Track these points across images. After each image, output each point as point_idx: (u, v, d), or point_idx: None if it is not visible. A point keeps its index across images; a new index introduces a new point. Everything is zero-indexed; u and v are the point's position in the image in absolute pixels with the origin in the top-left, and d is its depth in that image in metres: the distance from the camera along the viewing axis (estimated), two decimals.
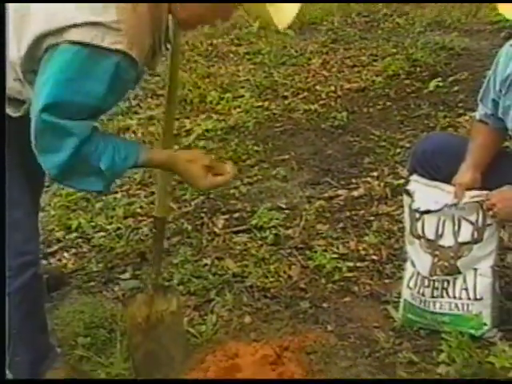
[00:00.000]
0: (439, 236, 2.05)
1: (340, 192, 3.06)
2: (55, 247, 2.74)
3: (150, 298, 2.02)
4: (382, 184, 3.01)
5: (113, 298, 2.41)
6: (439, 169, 2.09)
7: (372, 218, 2.79)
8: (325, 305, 2.31)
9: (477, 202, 1.97)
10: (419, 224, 2.08)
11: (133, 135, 3.79)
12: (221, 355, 2.07)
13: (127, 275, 2.55)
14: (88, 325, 2.23)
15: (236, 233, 2.80)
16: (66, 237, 2.81)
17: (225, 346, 2.11)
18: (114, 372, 2.02)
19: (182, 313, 2.19)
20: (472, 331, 2.01)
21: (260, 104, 4.04)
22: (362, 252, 2.55)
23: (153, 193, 3.22)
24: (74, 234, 2.81)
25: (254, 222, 2.83)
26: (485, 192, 1.97)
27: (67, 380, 1.39)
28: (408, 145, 3.28)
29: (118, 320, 2.20)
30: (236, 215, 2.95)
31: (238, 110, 3.98)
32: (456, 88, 3.89)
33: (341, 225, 2.78)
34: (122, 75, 1.55)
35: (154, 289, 2.02)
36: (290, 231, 2.76)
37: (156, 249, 2.05)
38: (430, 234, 2.06)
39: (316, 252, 2.57)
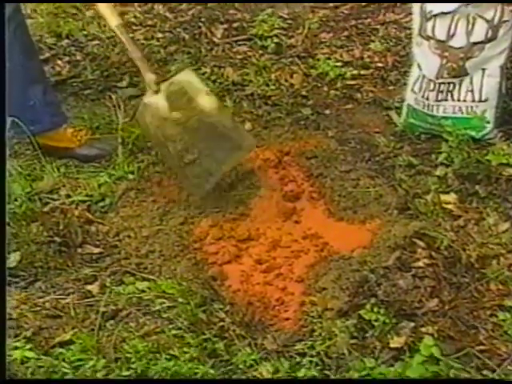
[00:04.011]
0: (450, 36, 1.95)
1: None
2: (47, 54, 2.64)
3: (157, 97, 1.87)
4: None
5: (111, 106, 2.35)
6: None
7: (378, 26, 2.66)
8: (327, 111, 2.28)
9: None
10: (429, 24, 1.97)
11: None
12: None
13: (124, 83, 2.48)
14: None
15: (236, 42, 2.69)
16: (58, 44, 2.70)
17: None
18: (117, 174, 2.02)
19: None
20: (473, 133, 2.00)
21: None
22: (367, 59, 2.48)
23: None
24: (66, 41, 2.70)
25: (254, 31, 2.70)
26: None
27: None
28: None
29: (116, 125, 2.16)
30: (235, 25, 2.81)
31: None
32: None
33: (345, 33, 2.66)
34: None
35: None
36: (292, 40, 2.65)
37: (134, 56, 1.93)
38: (441, 35, 1.96)
39: (319, 60, 2.49)
